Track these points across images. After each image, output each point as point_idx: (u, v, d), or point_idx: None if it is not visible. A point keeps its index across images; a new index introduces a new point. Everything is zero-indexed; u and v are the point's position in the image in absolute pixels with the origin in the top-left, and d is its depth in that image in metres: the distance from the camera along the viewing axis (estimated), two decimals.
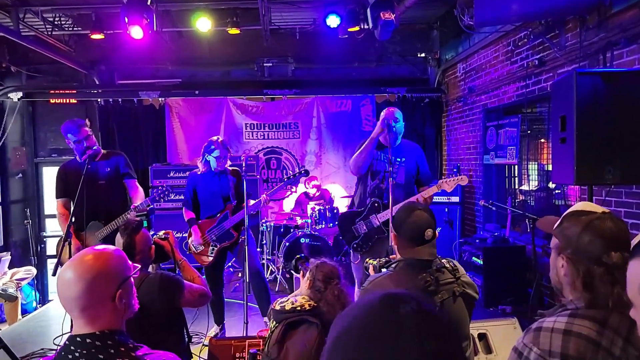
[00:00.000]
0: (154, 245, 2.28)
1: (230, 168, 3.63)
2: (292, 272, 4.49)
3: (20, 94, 5.94)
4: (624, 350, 1.03)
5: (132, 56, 5.82)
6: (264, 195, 3.51)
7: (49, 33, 4.91)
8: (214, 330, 3.58)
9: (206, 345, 2.93)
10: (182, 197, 5.62)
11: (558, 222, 1.24)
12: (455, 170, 5.57)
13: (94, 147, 3.36)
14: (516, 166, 4.84)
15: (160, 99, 6.10)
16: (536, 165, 4.58)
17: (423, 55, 6.32)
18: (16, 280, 4.99)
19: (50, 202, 6.28)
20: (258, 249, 4.81)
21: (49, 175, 6.32)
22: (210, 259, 3.51)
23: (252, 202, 3.50)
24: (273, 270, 5.18)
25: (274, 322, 1.88)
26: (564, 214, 1.26)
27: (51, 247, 6.25)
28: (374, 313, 0.67)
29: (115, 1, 4.31)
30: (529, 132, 4.47)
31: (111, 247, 1.32)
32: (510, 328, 2.78)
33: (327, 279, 1.89)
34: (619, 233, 1.13)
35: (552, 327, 1.09)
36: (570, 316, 1.10)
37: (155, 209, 5.40)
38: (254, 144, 6.28)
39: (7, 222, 6.17)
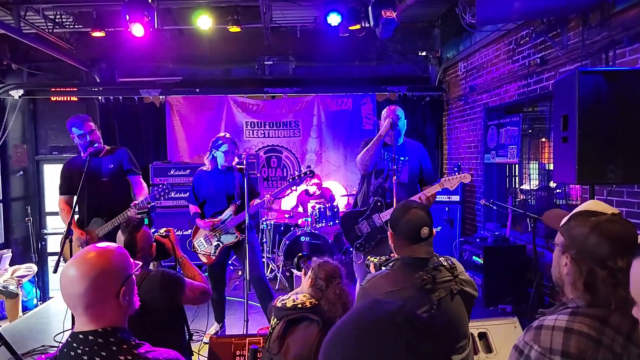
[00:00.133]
0: (154, 243, 2.28)
1: (238, 166, 3.59)
2: (294, 269, 4.50)
3: (21, 92, 5.93)
4: (625, 348, 1.03)
5: (133, 54, 5.82)
6: (268, 195, 3.48)
7: (50, 31, 4.91)
8: (214, 328, 3.59)
9: (206, 343, 2.93)
10: (183, 194, 5.59)
11: (565, 220, 1.23)
12: (455, 169, 5.56)
13: (95, 144, 3.36)
14: (517, 165, 4.84)
15: (161, 97, 6.10)
16: (537, 165, 4.58)
17: (424, 53, 6.31)
18: (17, 277, 4.99)
19: (51, 200, 6.30)
20: None
21: (50, 172, 6.32)
22: (214, 257, 3.50)
23: (257, 201, 3.50)
24: (273, 268, 5.19)
25: (275, 319, 1.88)
26: (573, 212, 1.24)
27: (52, 244, 6.25)
28: (367, 318, 0.73)
29: None
30: (530, 131, 4.47)
31: (113, 244, 1.32)
32: (510, 327, 2.77)
33: (328, 278, 1.89)
34: (627, 237, 1.11)
35: (553, 325, 1.08)
36: (571, 314, 1.10)
37: (156, 207, 5.40)
38: (254, 142, 6.27)
39: (8, 220, 6.18)
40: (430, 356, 0.69)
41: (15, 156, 6.22)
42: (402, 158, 3.25)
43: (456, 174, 3.10)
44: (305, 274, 2.07)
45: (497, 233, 4.63)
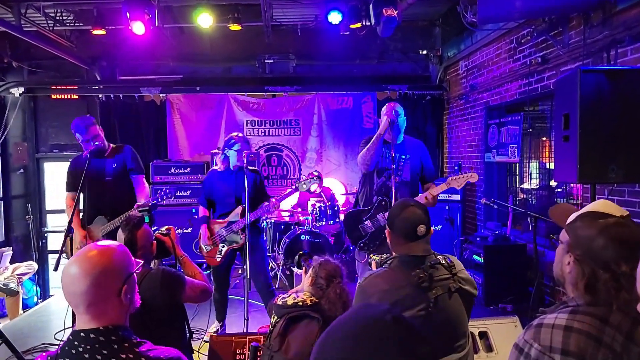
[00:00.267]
0: (155, 241, 2.28)
1: (250, 168, 3.55)
2: (294, 268, 4.50)
3: (21, 90, 5.93)
4: (625, 347, 1.02)
5: (134, 52, 5.82)
6: (273, 199, 3.46)
7: (51, 28, 4.90)
8: (214, 326, 3.59)
9: (207, 342, 2.93)
10: (184, 193, 5.58)
11: (572, 219, 1.22)
12: (456, 168, 5.57)
13: (96, 143, 3.36)
14: (518, 164, 4.83)
15: (161, 95, 6.09)
16: (538, 164, 4.58)
17: (425, 52, 6.30)
18: (17, 275, 5.00)
19: (52, 198, 6.31)
20: None
21: (50, 170, 6.33)
22: (219, 260, 3.48)
23: (266, 204, 3.48)
24: (273, 267, 5.19)
25: (276, 317, 1.88)
26: (581, 211, 1.23)
27: (52, 242, 6.26)
28: (356, 320, 0.76)
29: None
30: (530, 130, 4.47)
31: (115, 242, 1.32)
32: (511, 326, 2.77)
33: (329, 277, 1.89)
34: (635, 241, 1.09)
35: (553, 323, 1.08)
36: (571, 313, 1.10)
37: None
38: (254, 140, 6.27)
39: (8, 218, 6.18)
40: (422, 355, 0.70)
41: (16, 154, 6.22)
42: (403, 156, 3.24)
43: (463, 173, 3.08)
44: (305, 272, 2.07)
45: (497, 232, 4.62)
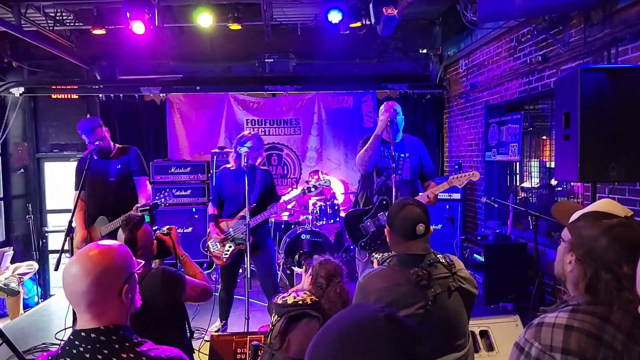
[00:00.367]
0: (155, 241, 2.28)
1: (262, 168, 3.53)
2: (295, 267, 4.50)
3: (21, 89, 5.93)
4: (625, 346, 1.02)
5: (134, 52, 5.81)
6: (282, 199, 3.45)
7: (51, 28, 4.90)
8: (215, 325, 3.59)
9: (207, 341, 2.94)
10: (184, 192, 5.58)
11: (575, 218, 1.21)
12: (456, 167, 5.56)
13: (97, 142, 3.36)
14: (518, 163, 4.83)
15: (161, 95, 6.09)
16: (538, 162, 4.57)
17: (425, 51, 6.29)
18: (18, 274, 5.00)
19: (52, 198, 6.31)
20: None
21: (51, 170, 6.33)
22: (225, 259, 3.47)
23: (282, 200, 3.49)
24: None
25: (276, 316, 1.89)
26: (584, 211, 1.22)
27: (53, 242, 6.26)
28: (349, 319, 0.76)
29: None
30: (531, 129, 4.46)
31: (115, 242, 1.32)
32: (512, 325, 2.77)
33: (329, 277, 1.89)
34: (638, 242, 1.08)
35: (554, 322, 1.08)
36: (572, 312, 1.10)
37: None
38: None
39: (9, 217, 6.18)
40: (417, 354, 0.70)
41: (16, 154, 6.22)
42: (403, 155, 3.24)
43: (463, 172, 3.07)
44: (306, 271, 2.07)
45: (498, 231, 4.62)
